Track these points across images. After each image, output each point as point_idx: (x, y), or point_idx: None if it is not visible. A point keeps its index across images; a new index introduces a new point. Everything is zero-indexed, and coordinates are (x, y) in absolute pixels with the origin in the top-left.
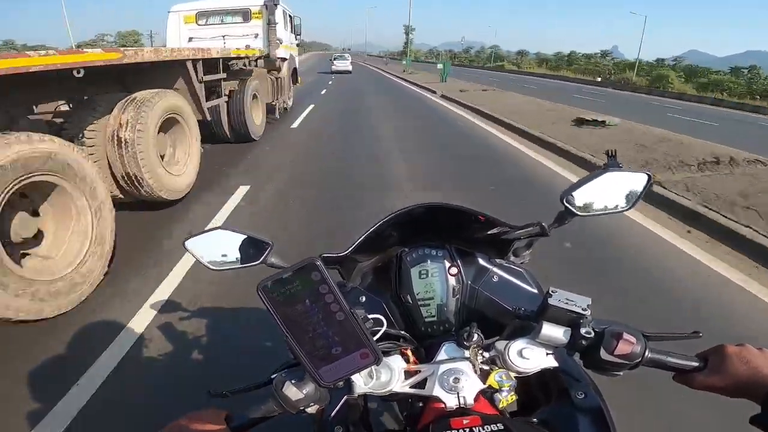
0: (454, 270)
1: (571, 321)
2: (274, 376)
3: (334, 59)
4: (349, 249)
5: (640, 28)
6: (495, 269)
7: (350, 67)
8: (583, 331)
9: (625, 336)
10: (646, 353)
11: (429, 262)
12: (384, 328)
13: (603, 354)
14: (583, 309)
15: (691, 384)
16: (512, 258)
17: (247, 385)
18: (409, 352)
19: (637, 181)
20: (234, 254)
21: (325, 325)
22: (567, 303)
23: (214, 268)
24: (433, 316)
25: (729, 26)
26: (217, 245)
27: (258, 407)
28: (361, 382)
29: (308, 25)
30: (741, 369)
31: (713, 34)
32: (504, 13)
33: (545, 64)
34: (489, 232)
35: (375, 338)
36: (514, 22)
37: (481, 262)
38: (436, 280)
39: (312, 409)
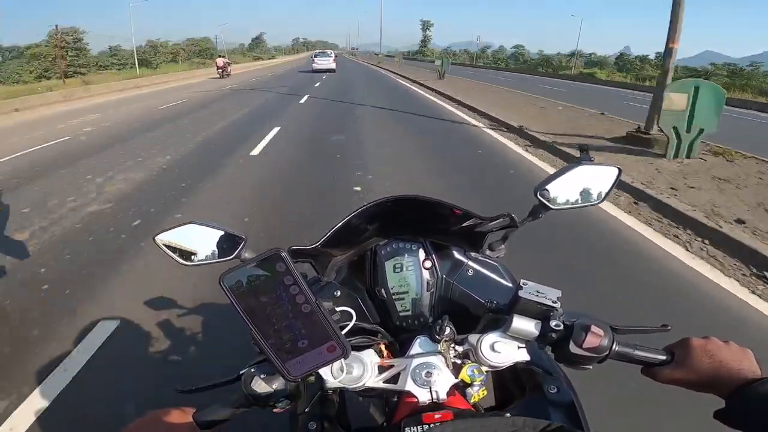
0: (428, 263)
1: (542, 313)
2: (243, 371)
3: (315, 56)
4: (320, 241)
5: (652, 26)
6: (470, 263)
7: (333, 65)
8: (552, 323)
9: (593, 329)
10: (614, 346)
11: (404, 255)
12: (353, 322)
13: (572, 347)
14: (552, 301)
15: (658, 378)
16: (488, 252)
17: (215, 382)
18: (383, 347)
19: (607, 175)
20: (206, 249)
21: (291, 318)
22: (537, 295)
23: (185, 263)
24: (408, 310)
25: (744, 27)
26: (188, 240)
27: (227, 403)
28: (332, 377)
29: (314, 24)
30: (705, 362)
31: (728, 35)
32: (510, 12)
33: (598, 69)
34: (462, 225)
35: (344, 332)
36: (521, 22)
37: (456, 255)
38: (411, 274)
39: (282, 404)
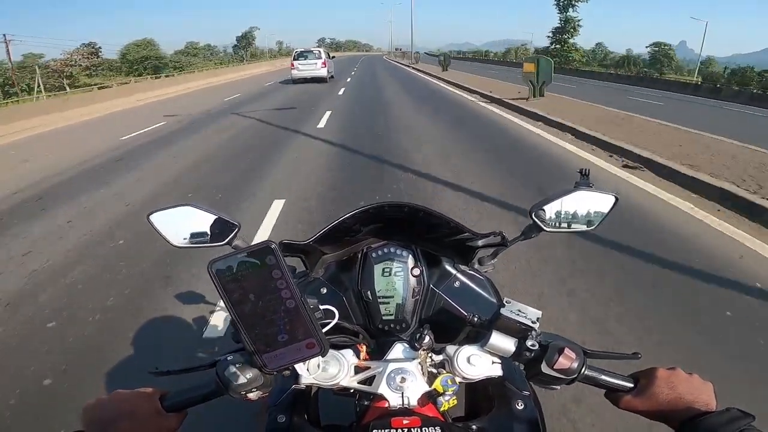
0: (416, 271)
1: (520, 332)
2: (219, 358)
3: (295, 59)
4: (313, 238)
5: (712, 21)
6: (458, 275)
7: (323, 73)
8: (529, 343)
9: (567, 351)
10: (583, 369)
11: (393, 260)
12: (335, 321)
13: (544, 367)
14: (532, 321)
15: (618, 403)
16: (477, 266)
17: (190, 366)
18: (362, 348)
19: (604, 202)
20: (199, 233)
21: (274, 311)
22: (518, 314)
23: (176, 244)
24: (391, 315)
25: None
26: (182, 222)
27: (198, 389)
28: (307, 372)
29: (344, 22)
30: (665, 393)
31: None
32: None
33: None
34: (455, 238)
35: (325, 330)
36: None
37: (446, 266)
38: (399, 279)
39: (254, 395)
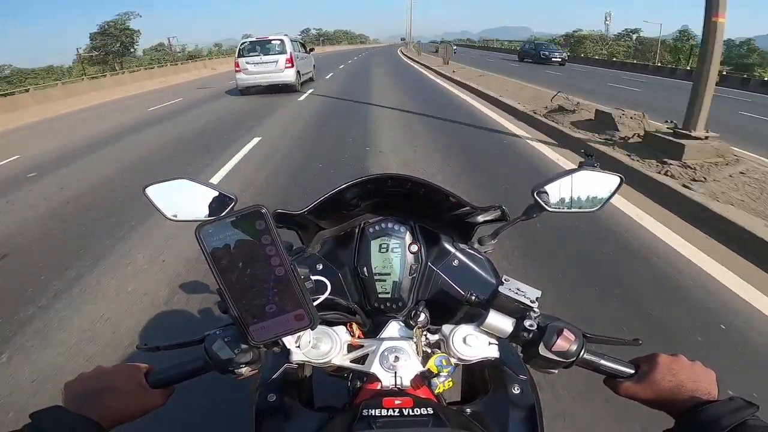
0: (414, 248)
1: (518, 312)
2: (208, 333)
3: (242, 56)
4: (307, 208)
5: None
6: (457, 253)
7: (290, 77)
8: (527, 323)
9: (565, 333)
10: (582, 353)
11: (391, 236)
12: (327, 294)
13: (541, 348)
14: (531, 301)
15: (618, 390)
16: (477, 245)
17: (179, 342)
18: (356, 326)
19: (608, 183)
20: (195, 207)
21: (263, 280)
22: (516, 293)
23: (171, 218)
24: (388, 293)
25: None
26: (177, 195)
27: (185, 364)
28: (298, 348)
29: (332, 11)
30: (666, 381)
31: None
32: None
33: None
34: (454, 213)
35: (317, 303)
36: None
37: (445, 244)
38: (396, 256)
39: (243, 371)
